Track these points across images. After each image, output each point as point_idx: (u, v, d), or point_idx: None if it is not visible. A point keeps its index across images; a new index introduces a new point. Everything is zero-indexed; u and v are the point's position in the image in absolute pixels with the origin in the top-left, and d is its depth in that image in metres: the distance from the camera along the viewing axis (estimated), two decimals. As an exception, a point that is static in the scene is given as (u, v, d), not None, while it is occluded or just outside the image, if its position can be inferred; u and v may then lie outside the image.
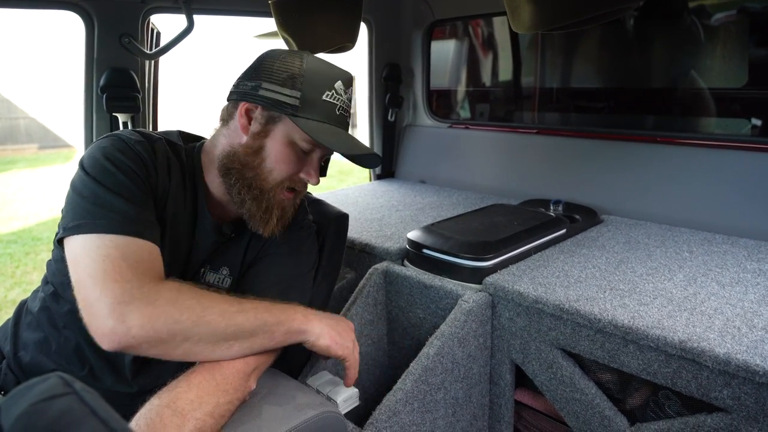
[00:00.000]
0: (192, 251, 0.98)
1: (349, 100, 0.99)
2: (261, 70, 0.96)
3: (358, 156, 0.97)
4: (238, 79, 1.00)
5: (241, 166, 0.94)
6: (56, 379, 0.53)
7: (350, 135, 1.00)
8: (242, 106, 0.95)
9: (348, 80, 0.99)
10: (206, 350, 0.81)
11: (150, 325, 0.75)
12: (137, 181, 0.86)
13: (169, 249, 0.93)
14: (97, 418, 0.47)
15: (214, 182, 0.99)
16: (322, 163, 1.03)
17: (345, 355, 0.92)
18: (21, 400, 0.51)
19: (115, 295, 0.75)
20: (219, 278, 1.01)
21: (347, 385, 0.97)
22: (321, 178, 1.01)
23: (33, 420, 0.47)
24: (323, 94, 0.94)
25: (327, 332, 0.90)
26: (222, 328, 0.80)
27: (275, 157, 0.94)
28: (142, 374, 0.93)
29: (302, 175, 0.97)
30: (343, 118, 0.98)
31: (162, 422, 0.73)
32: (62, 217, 0.84)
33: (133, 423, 0.73)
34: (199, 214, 0.99)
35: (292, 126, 0.93)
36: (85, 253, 0.78)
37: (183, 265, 0.97)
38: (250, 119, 0.95)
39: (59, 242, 0.84)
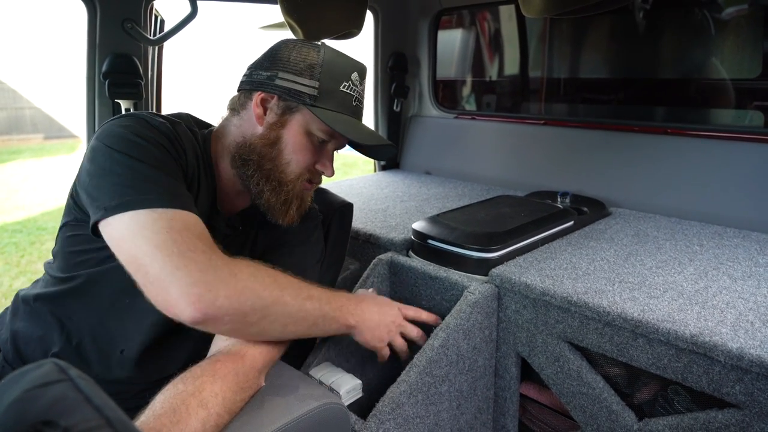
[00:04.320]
0: None
1: (363, 91, 0.99)
2: (277, 59, 0.94)
3: (374, 147, 0.97)
4: (251, 68, 0.98)
5: (259, 158, 0.93)
6: (51, 366, 0.52)
7: (365, 125, 1.00)
8: (257, 96, 0.93)
9: (362, 71, 0.99)
10: (277, 330, 0.81)
11: (236, 297, 0.74)
12: (169, 158, 0.83)
13: None
14: (91, 406, 0.45)
15: (225, 173, 0.97)
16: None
17: (378, 348, 1.01)
18: (15, 386, 0.49)
19: (198, 264, 0.72)
20: None
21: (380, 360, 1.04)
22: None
23: (25, 407, 0.46)
24: (341, 85, 0.93)
25: (364, 330, 0.96)
26: (295, 311, 0.81)
27: (293, 148, 0.93)
28: (142, 367, 0.91)
29: (318, 167, 0.97)
30: (358, 109, 0.98)
31: (188, 411, 0.71)
32: (92, 201, 0.78)
33: (158, 405, 0.71)
34: (212, 206, 0.97)
35: (310, 116, 0.92)
36: (142, 227, 0.73)
37: None
38: (265, 109, 0.94)
39: (93, 229, 0.78)
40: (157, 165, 0.79)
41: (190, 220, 0.77)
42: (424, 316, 1.09)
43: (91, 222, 0.78)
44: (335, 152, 1.02)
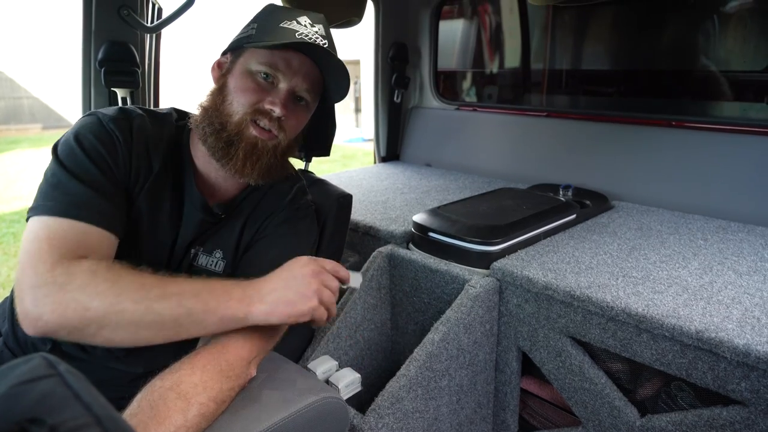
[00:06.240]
0: (179, 232, 0.94)
1: (322, 36, 0.92)
2: None
3: (326, 62, 0.90)
4: None
5: (207, 109, 0.92)
6: (40, 360, 0.50)
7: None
8: (214, 63, 0.97)
9: (318, 17, 0.95)
10: (127, 338, 0.74)
11: (60, 311, 0.70)
12: (102, 164, 0.83)
13: (152, 230, 0.90)
14: (80, 403, 0.43)
15: (201, 156, 0.95)
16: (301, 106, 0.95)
17: (309, 313, 0.80)
18: (2, 381, 0.47)
19: (29, 278, 0.73)
20: (212, 261, 0.97)
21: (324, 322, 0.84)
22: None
23: (12, 403, 0.44)
24: (281, 22, 0.91)
25: (274, 309, 0.78)
26: (138, 317, 0.73)
27: (234, 88, 0.90)
28: (134, 354, 0.90)
29: (266, 105, 0.89)
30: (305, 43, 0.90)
31: (166, 405, 0.70)
32: None
33: (135, 404, 0.71)
34: (186, 192, 0.94)
35: (250, 53, 0.91)
36: (25, 235, 0.77)
37: (170, 246, 0.93)
38: (222, 70, 0.96)
39: None
40: (79, 175, 0.80)
41: (64, 227, 0.76)
42: (342, 273, 0.86)
43: None
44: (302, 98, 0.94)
